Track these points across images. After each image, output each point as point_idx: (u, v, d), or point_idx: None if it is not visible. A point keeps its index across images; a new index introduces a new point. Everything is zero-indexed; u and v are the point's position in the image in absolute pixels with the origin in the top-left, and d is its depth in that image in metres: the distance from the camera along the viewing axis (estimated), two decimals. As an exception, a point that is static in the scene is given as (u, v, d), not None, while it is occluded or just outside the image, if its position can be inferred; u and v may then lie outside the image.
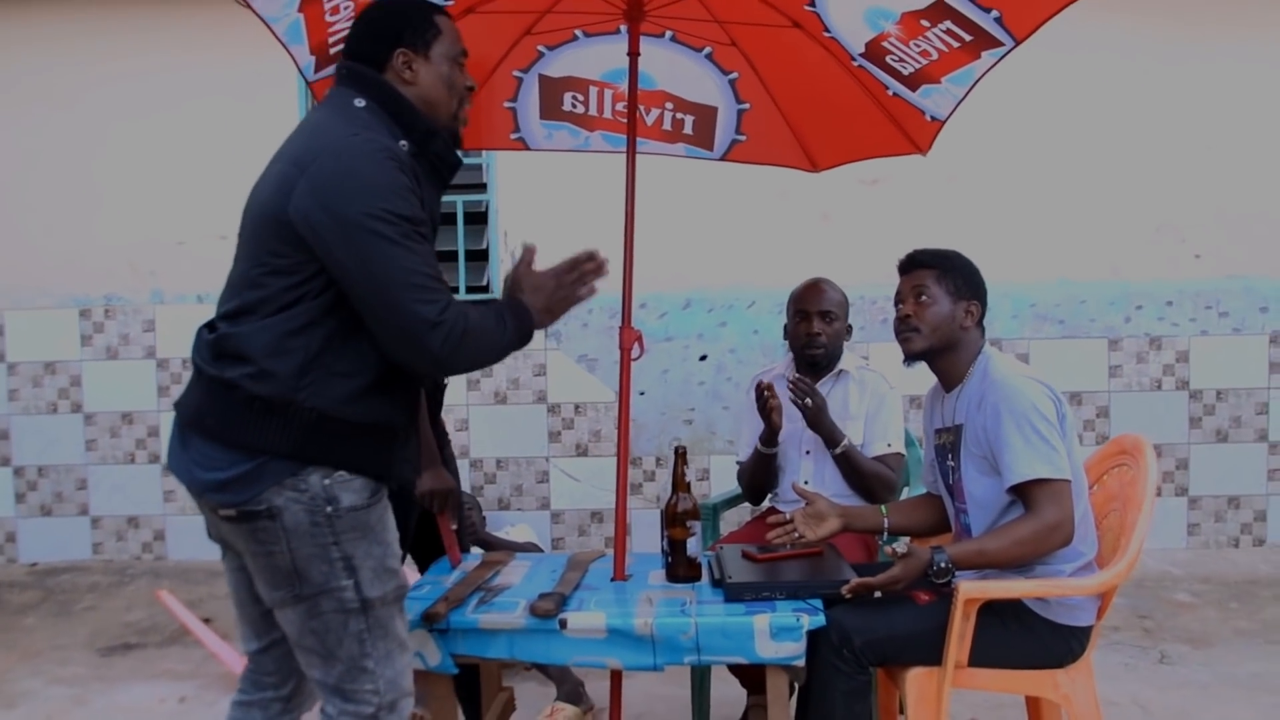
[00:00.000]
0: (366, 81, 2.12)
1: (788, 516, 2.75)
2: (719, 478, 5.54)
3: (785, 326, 3.51)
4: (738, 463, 3.58)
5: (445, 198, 5.45)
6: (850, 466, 3.25)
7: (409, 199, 1.98)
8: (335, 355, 1.99)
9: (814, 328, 3.37)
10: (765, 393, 3.25)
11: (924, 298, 2.64)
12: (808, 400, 3.20)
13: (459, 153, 2.21)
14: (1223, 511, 5.61)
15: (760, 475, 3.46)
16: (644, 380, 5.61)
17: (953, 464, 2.66)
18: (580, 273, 2.24)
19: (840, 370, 3.42)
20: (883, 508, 2.85)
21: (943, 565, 2.40)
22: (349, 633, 2.06)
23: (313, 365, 1.97)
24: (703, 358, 5.62)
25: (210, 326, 2.09)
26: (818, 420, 3.23)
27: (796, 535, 2.71)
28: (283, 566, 2.01)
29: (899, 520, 2.83)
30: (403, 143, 2.07)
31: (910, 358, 2.69)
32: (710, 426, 5.59)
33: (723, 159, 3.61)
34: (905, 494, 3.47)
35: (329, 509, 1.99)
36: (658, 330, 5.62)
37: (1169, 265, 5.56)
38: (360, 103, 2.09)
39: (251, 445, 1.96)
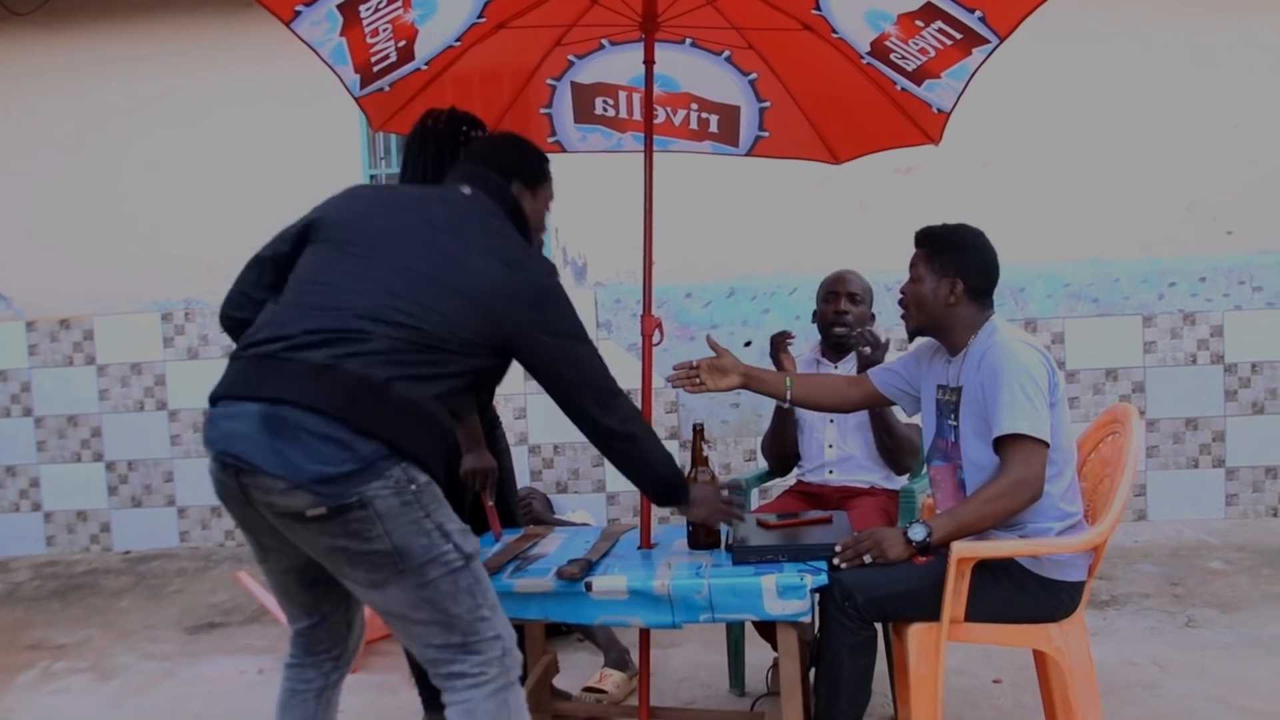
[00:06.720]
0: (507, 201, 2.47)
1: (694, 364, 2.98)
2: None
3: (814, 312, 3.72)
4: (763, 441, 3.74)
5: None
6: (884, 426, 3.42)
7: None
8: (459, 401, 2.29)
9: (841, 306, 3.60)
10: (780, 339, 3.53)
11: (912, 278, 2.83)
12: (866, 350, 3.35)
13: None
14: (1260, 482, 5.66)
15: (781, 436, 3.62)
16: (692, 367, 5.80)
17: (953, 423, 2.79)
18: (730, 508, 2.77)
19: (862, 350, 3.61)
20: (787, 379, 3.06)
21: (921, 540, 2.58)
22: (461, 589, 2.20)
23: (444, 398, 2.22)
24: (747, 344, 5.76)
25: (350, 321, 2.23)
26: (875, 364, 3.31)
27: (699, 382, 2.95)
28: (382, 549, 2.11)
29: (801, 392, 3.05)
30: None
31: (909, 334, 2.89)
32: (756, 410, 5.72)
33: (748, 154, 3.79)
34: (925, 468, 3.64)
35: (413, 487, 2.14)
36: (703, 318, 5.81)
37: (1201, 242, 5.61)
38: (496, 219, 2.40)
39: (391, 441, 2.10)
